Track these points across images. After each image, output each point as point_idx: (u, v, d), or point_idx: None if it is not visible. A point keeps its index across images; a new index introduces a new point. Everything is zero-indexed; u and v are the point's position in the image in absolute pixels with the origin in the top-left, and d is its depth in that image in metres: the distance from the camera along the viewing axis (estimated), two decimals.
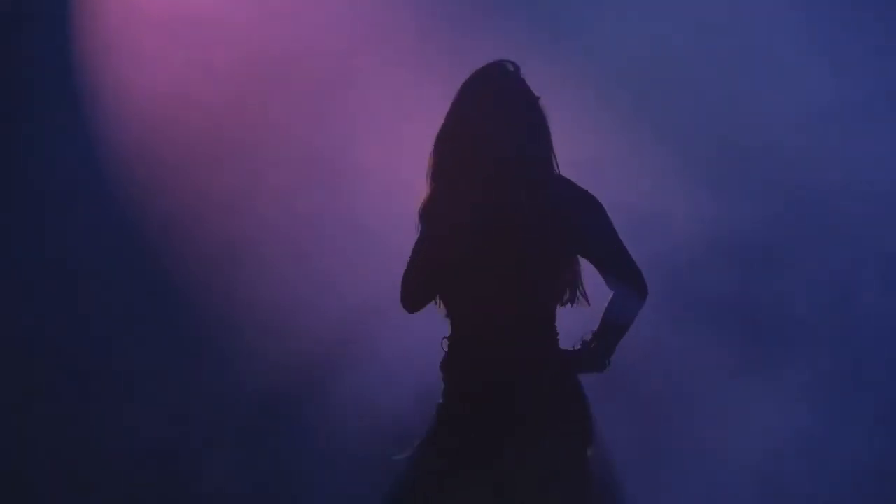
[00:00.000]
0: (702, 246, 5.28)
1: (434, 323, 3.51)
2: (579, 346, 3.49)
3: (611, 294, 3.51)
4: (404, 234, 3.52)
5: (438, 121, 3.49)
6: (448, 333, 3.51)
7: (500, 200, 3.41)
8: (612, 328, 3.50)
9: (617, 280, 3.49)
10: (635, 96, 5.30)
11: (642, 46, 5.29)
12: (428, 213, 3.48)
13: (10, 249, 5.45)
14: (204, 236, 5.38)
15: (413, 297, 3.48)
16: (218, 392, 5.41)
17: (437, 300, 3.51)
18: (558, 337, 3.49)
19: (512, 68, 3.50)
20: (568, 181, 3.49)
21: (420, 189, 3.50)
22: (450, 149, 3.45)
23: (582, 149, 4.83)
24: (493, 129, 3.42)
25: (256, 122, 5.42)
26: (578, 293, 3.51)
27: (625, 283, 3.49)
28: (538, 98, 3.50)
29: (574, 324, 3.52)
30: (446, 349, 3.51)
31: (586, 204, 3.47)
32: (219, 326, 5.40)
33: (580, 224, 3.45)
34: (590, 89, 5.19)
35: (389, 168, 3.90)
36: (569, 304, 3.51)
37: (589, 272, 3.50)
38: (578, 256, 3.50)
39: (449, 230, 3.42)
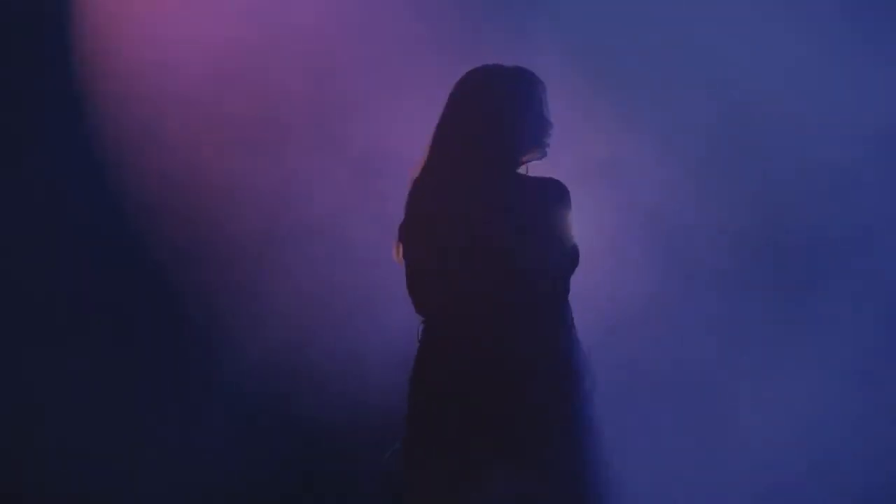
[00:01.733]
0: (715, 243, 5.30)
1: None
2: None
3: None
4: None
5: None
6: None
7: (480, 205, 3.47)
8: None
9: None
10: (645, 96, 5.31)
11: (655, 45, 5.30)
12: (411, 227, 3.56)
13: (16, 247, 5.45)
14: (214, 233, 5.38)
15: (433, 298, 3.51)
16: (229, 391, 5.41)
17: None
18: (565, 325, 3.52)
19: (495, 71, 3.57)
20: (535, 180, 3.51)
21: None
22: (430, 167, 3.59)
23: (594, 149, 4.87)
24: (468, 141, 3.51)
25: (280, 116, 5.41)
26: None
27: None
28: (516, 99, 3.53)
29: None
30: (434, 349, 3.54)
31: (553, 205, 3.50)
32: (233, 322, 5.40)
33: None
34: (598, 89, 5.20)
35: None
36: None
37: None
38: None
39: (438, 240, 3.49)
